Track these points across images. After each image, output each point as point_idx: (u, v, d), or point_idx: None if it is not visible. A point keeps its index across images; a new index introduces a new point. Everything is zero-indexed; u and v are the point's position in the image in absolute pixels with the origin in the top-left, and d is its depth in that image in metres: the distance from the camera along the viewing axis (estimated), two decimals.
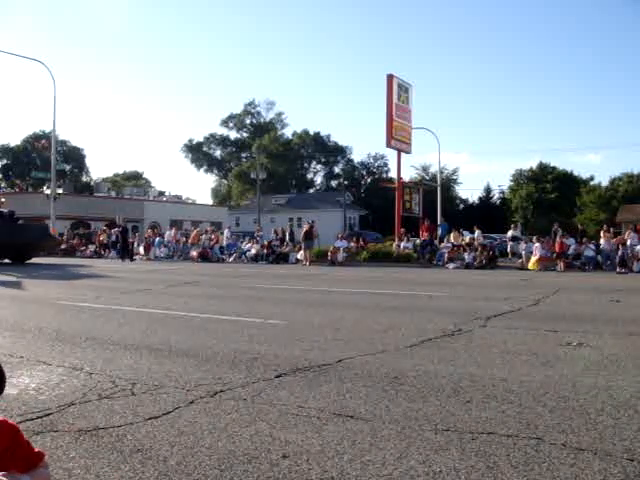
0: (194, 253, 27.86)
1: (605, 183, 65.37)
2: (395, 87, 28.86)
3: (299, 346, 5.66)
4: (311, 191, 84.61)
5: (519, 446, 2.93)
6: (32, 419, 3.35)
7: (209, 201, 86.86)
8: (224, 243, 29.19)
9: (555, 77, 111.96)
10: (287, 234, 28.28)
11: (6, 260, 22.03)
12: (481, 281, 15.34)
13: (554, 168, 67.58)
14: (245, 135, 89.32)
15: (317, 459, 2.77)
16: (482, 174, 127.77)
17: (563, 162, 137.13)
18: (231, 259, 27.14)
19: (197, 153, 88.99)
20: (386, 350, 5.47)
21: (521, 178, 69.46)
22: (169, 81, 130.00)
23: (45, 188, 39.32)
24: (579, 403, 3.71)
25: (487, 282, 15.09)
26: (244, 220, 63.33)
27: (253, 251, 26.69)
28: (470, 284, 14.25)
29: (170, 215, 49.48)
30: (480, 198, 76.19)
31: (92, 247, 33.32)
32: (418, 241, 26.35)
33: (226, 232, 30.83)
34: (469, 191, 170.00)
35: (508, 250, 25.66)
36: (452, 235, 25.69)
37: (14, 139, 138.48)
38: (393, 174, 43.38)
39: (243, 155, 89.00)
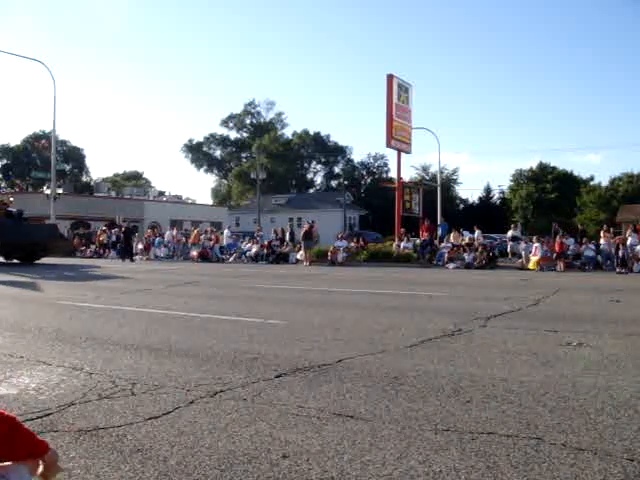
0: (194, 253, 27.88)
1: (605, 183, 65.57)
2: (395, 87, 28.87)
3: (299, 346, 5.66)
4: (311, 191, 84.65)
5: (519, 446, 2.93)
6: (32, 419, 3.34)
7: (209, 201, 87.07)
8: (224, 243, 29.19)
9: (555, 77, 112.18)
10: (287, 234, 28.29)
11: (15, 260, 21.47)
12: (481, 281, 15.34)
13: (554, 168, 67.60)
14: (245, 135, 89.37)
15: (317, 459, 2.77)
16: (482, 174, 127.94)
17: (563, 162, 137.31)
18: (231, 259, 27.15)
19: (197, 153, 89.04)
20: (386, 350, 5.47)
21: (521, 178, 69.47)
22: (169, 81, 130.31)
23: (45, 188, 39.38)
24: (579, 403, 3.71)
25: (487, 282, 15.09)
26: (244, 220, 63.36)
27: (253, 251, 26.70)
28: (470, 284, 14.25)
29: (170, 215, 49.50)
30: (480, 198, 76.30)
31: (92, 247, 33.34)
32: (418, 241, 26.37)
33: (226, 232, 30.80)
34: (469, 191, 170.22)
35: (508, 250, 25.67)
36: (452, 235, 25.68)
37: (14, 139, 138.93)
38: (393, 174, 43.42)
39: (243, 155, 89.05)
